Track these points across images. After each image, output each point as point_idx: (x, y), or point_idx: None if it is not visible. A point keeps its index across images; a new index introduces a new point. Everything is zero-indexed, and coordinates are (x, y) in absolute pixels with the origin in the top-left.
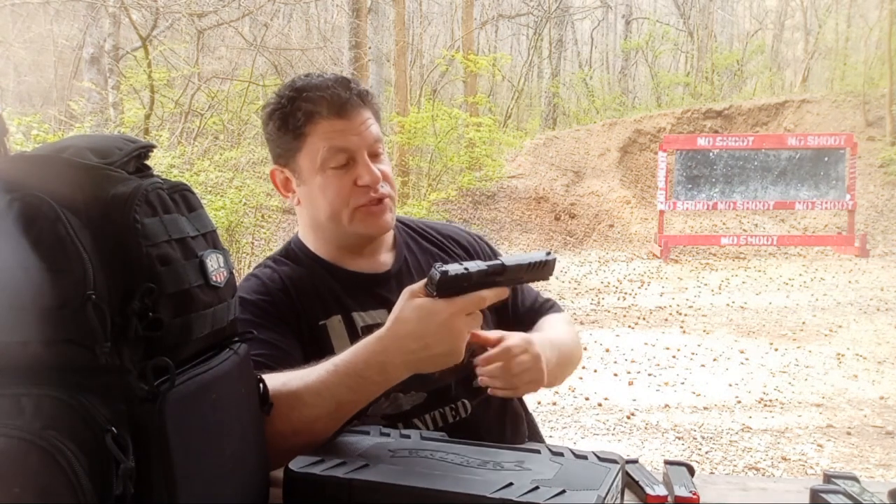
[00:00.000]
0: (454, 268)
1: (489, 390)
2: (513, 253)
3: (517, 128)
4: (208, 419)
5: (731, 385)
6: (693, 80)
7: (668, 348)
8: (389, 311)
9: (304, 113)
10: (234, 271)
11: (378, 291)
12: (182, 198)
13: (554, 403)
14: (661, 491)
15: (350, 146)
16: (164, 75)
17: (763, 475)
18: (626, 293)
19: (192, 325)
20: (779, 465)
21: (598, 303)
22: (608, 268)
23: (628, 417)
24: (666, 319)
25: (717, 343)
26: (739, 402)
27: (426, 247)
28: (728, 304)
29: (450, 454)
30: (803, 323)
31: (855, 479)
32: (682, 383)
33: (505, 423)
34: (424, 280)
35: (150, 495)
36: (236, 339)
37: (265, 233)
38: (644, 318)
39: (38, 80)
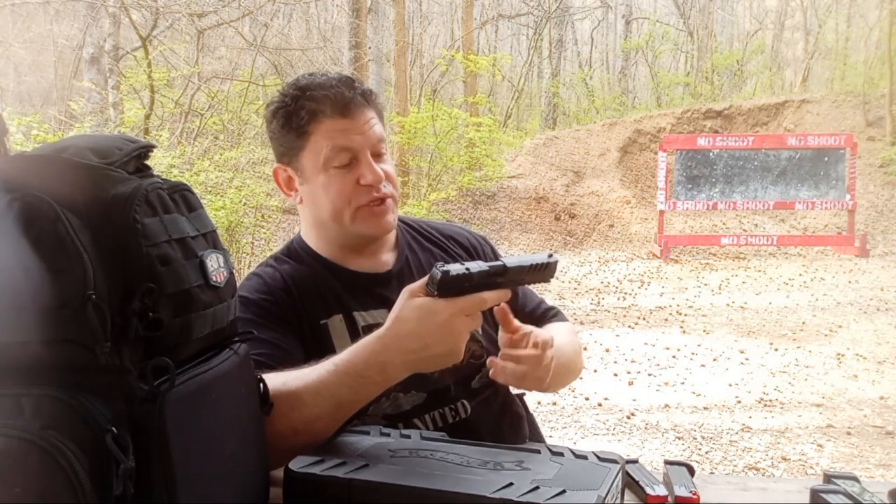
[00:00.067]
0: (455, 268)
1: (491, 372)
2: (513, 253)
3: (517, 128)
4: (208, 419)
5: (731, 385)
6: (693, 80)
7: (668, 348)
8: (390, 310)
9: (308, 112)
10: (233, 271)
11: (379, 291)
12: (182, 198)
13: (554, 403)
14: (661, 491)
15: (353, 145)
16: (164, 75)
17: (763, 475)
18: (626, 293)
19: (192, 325)
20: (779, 465)
21: (598, 303)
22: (608, 268)
23: (628, 417)
24: (666, 319)
25: (717, 343)
26: (739, 402)
27: (427, 247)
28: (728, 304)
29: (450, 454)
30: (803, 323)
31: (855, 479)
32: (682, 383)
33: (505, 424)
34: (424, 279)
35: (150, 495)
36: (236, 339)
37: (265, 233)
38: (644, 318)
39: (38, 80)
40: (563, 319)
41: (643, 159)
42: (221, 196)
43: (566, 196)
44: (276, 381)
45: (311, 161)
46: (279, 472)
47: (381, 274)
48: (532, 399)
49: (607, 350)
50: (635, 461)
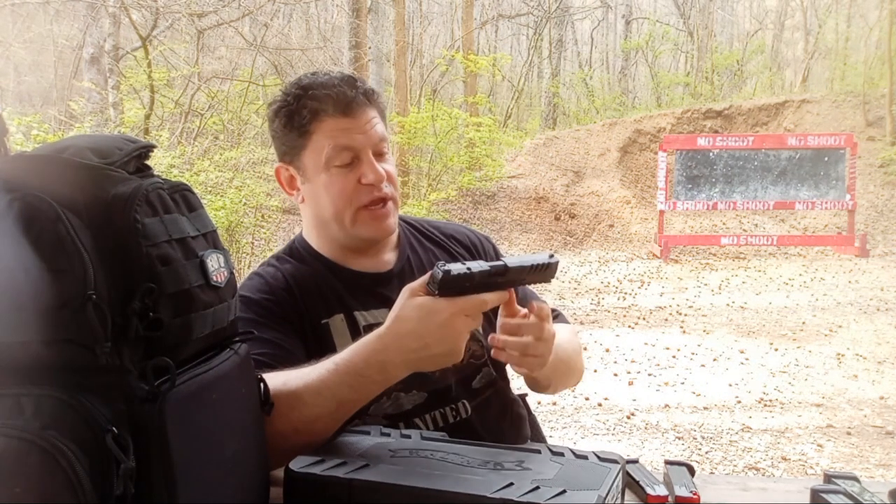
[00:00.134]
0: (457, 267)
1: (493, 352)
2: (513, 254)
3: (517, 128)
4: (208, 419)
5: (731, 385)
6: (693, 80)
7: (668, 348)
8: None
9: (310, 111)
10: (234, 271)
11: (380, 291)
12: (182, 198)
13: (554, 404)
14: (661, 491)
15: (355, 144)
16: (164, 75)
17: (763, 475)
18: (626, 293)
19: (192, 325)
20: (779, 465)
21: (598, 303)
22: (608, 268)
23: (628, 417)
24: (666, 319)
25: (717, 343)
26: (739, 402)
27: (429, 246)
28: (728, 304)
29: (450, 454)
30: (803, 323)
31: (855, 479)
32: (682, 383)
33: (506, 424)
34: (425, 278)
35: (150, 495)
36: (237, 339)
37: (265, 233)
38: (644, 318)
39: (38, 80)
40: (565, 321)
41: (643, 159)
42: (221, 196)
43: (566, 196)
44: (276, 380)
45: (312, 160)
46: (279, 472)
47: (382, 273)
48: (532, 399)
49: (607, 350)
50: (635, 461)
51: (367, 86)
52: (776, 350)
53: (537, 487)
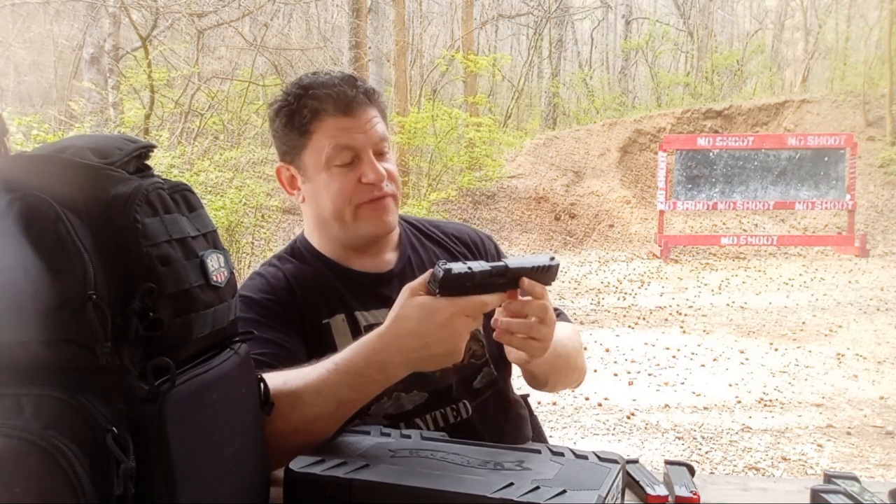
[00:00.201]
0: (458, 266)
1: (495, 334)
2: (514, 254)
3: (517, 128)
4: (209, 419)
5: (731, 385)
6: (693, 80)
7: (668, 348)
8: None
9: (311, 110)
10: (234, 271)
11: (381, 290)
12: (182, 198)
13: (554, 403)
14: (661, 491)
15: (355, 144)
16: (164, 75)
17: (763, 475)
18: (626, 293)
19: (192, 325)
20: (779, 465)
21: (598, 303)
22: (608, 268)
23: (628, 417)
24: (666, 319)
25: (717, 343)
26: (739, 402)
27: (430, 246)
28: (728, 304)
29: (450, 454)
30: (803, 323)
31: (855, 479)
32: (682, 383)
33: (506, 424)
34: (425, 277)
35: (150, 495)
36: (237, 339)
37: (265, 233)
38: (644, 318)
39: (38, 80)
40: (567, 320)
41: (643, 159)
42: (221, 196)
43: (566, 196)
44: (276, 380)
45: (313, 159)
46: (279, 472)
47: (383, 273)
48: (532, 399)
49: (607, 350)
50: (635, 461)
51: (368, 85)
52: (776, 350)
53: (537, 487)
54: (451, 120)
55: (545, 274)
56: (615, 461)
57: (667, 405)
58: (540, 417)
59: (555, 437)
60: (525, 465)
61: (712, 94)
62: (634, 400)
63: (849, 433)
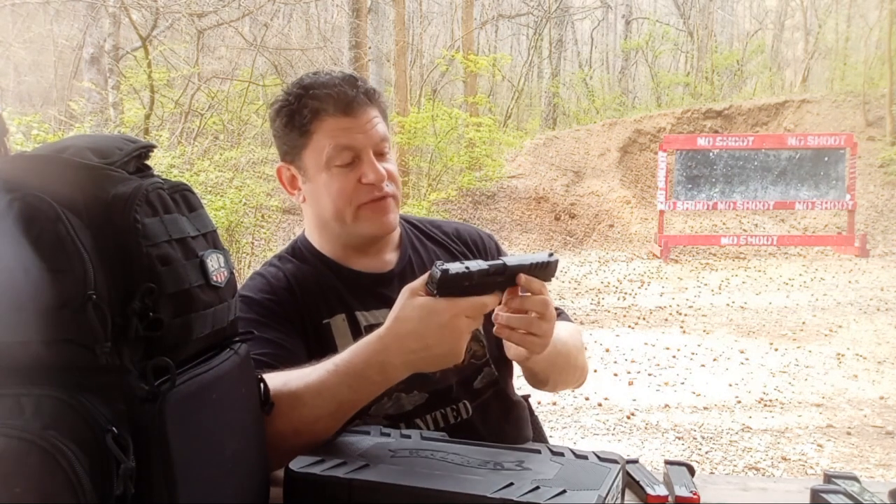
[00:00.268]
0: (455, 266)
1: (495, 329)
2: (513, 253)
3: (517, 128)
4: (209, 419)
5: (731, 385)
6: (693, 80)
7: (668, 348)
8: None
9: (311, 110)
10: (234, 271)
11: (381, 291)
12: (182, 198)
13: (554, 403)
14: (661, 491)
15: (355, 144)
16: (164, 75)
17: (763, 475)
18: (626, 293)
19: (192, 324)
20: (779, 465)
21: (598, 303)
22: (608, 268)
23: (628, 417)
24: (666, 319)
25: (717, 343)
26: (739, 402)
27: (430, 246)
28: (728, 304)
29: (450, 454)
30: (803, 323)
31: (855, 479)
32: (682, 383)
33: (507, 425)
34: (424, 278)
35: (150, 495)
36: (237, 339)
37: (265, 233)
38: (644, 318)
39: (38, 80)
40: (568, 320)
41: (643, 159)
42: (221, 196)
43: (566, 196)
44: (276, 380)
45: (313, 160)
46: (279, 472)
47: (383, 274)
48: (532, 399)
49: (607, 350)
50: (635, 461)
51: (369, 85)
52: (776, 350)
53: (537, 487)
54: (451, 120)
55: (544, 270)
56: (615, 461)
57: (667, 405)
58: (540, 417)
59: (555, 437)
60: (525, 465)
61: (712, 94)
62: (634, 400)
63: (849, 433)
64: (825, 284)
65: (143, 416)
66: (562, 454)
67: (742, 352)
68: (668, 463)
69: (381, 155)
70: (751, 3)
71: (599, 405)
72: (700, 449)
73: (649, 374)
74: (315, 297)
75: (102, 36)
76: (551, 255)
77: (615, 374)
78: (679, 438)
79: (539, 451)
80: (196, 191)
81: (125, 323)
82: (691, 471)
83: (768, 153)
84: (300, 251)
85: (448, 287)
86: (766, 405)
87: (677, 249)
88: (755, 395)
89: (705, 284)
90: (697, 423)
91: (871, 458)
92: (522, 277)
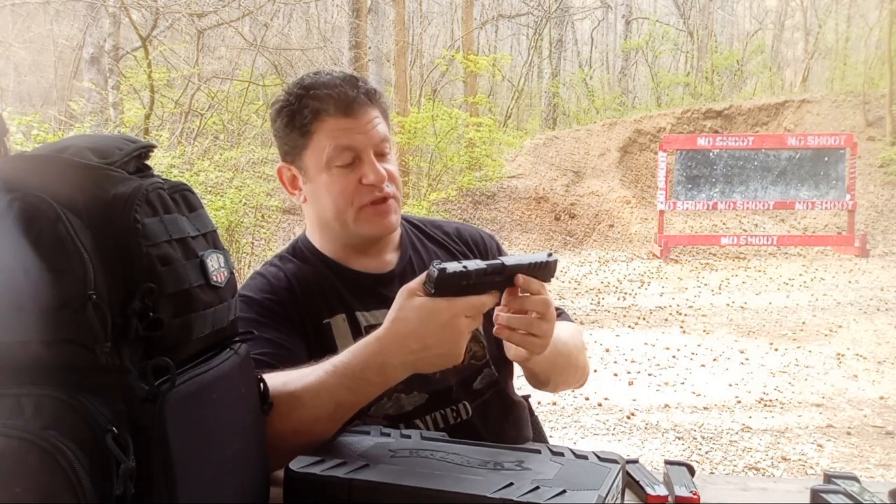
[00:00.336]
0: (453, 266)
1: (495, 329)
2: (513, 253)
3: (517, 128)
4: (209, 419)
5: (731, 385)
6: (693, 80)
7: (668, 348)
8: None
9: (311, 111)
10: (234, 271)
11: (382, 291)
12: (182, 198)
13: (554, 403)
14: (661, 491)
15: (356, 145)
16: (164, 75)
17: (763, 475)
18: (626, 293)
19: (192, 324)
20: (779, 465)
21: (598, 303)
22: (608, 268)
23: (628, 417)
24: (666, 319)
25: (717, 343)
26: (739, 402)
27: (431, 247)
28: (728, 304)
29: (450, 454)
30: (803, 323)
31: (855, 479)
32: (682, 383)
33: (507, 426)
34: (422, 278)
35: (150, 495)
36: (237, 339)
37: (265, 233)
38: (644, 318)
39: (38, 80)
40: (568, 320)
41: (643, 159)
42: (221, 196)
43: (566, 196)
44: (276, 381)
45: (314, 160)
46: (279, 473)
47: (384, 274)
48: (532, 399)
49: (607, 350)
50: (635, 461)
51: (370, 86)
52: (776, 350)
53: (537, 487)
54: (451, 120)
55: (543, 270)
56: (615, 461)
57: (667, 405)
58: (540, 417)
59: (555, 437)
60: (525, 465)
61: (712, 94)
62: (634, 400)
63: (849, 433)
64: (825, 284)
65: (143, 416)
66: (562, 454)
67: (742, 352)
68: (668, 463)
69: (381, 155)
70: (751, 3)
71: (599, 405)
72: (700, 449)
73: (649, 374)
74: (315, 296)
75: (102, 36)
76: (550, 255)
77: (615, 374)
78: (679, 438)
79: (539, 451)
80: (196, 191)
81: (125, 323)
82: (691, 471)
83: (768, 153)
84: (301, 251)
85: (445, 286)
86: (766, 405)
87: (677, 249)
88: (755, 395)
89: (705, 284)
90: (697, 423)
91: (871, 458)
92: (521, 278)
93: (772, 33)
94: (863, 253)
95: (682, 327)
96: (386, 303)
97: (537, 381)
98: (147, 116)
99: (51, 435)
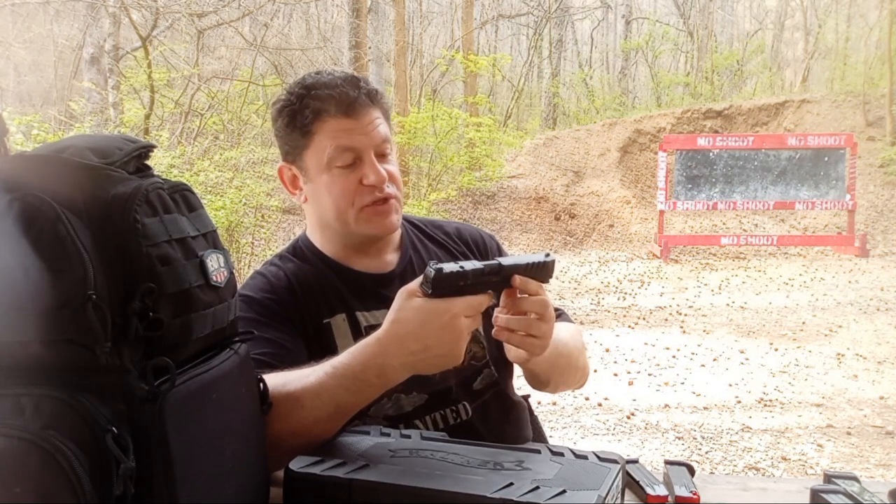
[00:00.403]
0: (449, 266)
1: (494, 331)
2: (513, 253)
3: (517, 128)
4: (208, 419)
5: (731, 385)
6: (693, 80)
7: (668, 348)
8: None
9: (313, 111)
10: (234, 271)
11: (382, 291)
12: (182, 198)
13: (554, 403)
14: (661, 491)
15: (357, 145)
16: (164, 75)
17: (763, 475)
18: (626, 293)
19: (192, 324)
20: (779, 465)
21: (598, 303)
22: (608, 268)
23: (628, 417)
24: (666, 319)
25: (717, 343)
26: (739, 402)
27: (431, 247)
28: (728, 304)
29: (450, 454)
30: (803, 323)
31: (855, 479)
32: (682, 383)
33: (506, 426)
34: (420, 278)
35: (150, 495)
36: (237, 338)
37: (265, 233)
38: (644, 318)
39: (38, 80)
40: (568, 320)
41: (643, 159)
42: (221, 196)
43: (566, 196)
44: (276, 381)
45: (314, 160)
46: (279, 472)
47: (384, 274)
48: (532, 399)
49: (607, 350)
50: (635, 461)
51: (371, 86)
52: (776, 350)
53: (537, 487)
54: (451, 120)
55: (540, 271)
56: (615, 461)
57: (667, 405)
58: (540, 417)
59: (555, 437)
60: (525, 465)
61: (712, 94)
62: (634, 400)
63: (849, 433)
64: (825, 284)
65: (143, 416)
66: (562, 454)
67: (742, 352)
68: (668, 463)
69: (382, 156)
70: (751, 3)
71: (599, 405)
72: (700, 449)
73: (649, 374)
74: (316, 296)
75: (102, 36)
76: (548, 255)
77: (615, 374)
78: (679, 438)
79: (539, 451)
80: (196, 191)
81: (125, 323)
82: (691, 471)
83: (768, 153)
84: (301, 251)
85: (442, 286)
86: (766, 405)
87: (677, 249)
88: (755, 395)
89: (705, 284)
90: (697, 423)
91: (871, 458)
92: (518, 279)
93: (772, 33)
94: (863, 253)
95: (682, 327)
96: (386, 303)
97: (537, 381)
98: (147, 116)
99: (51, 435)
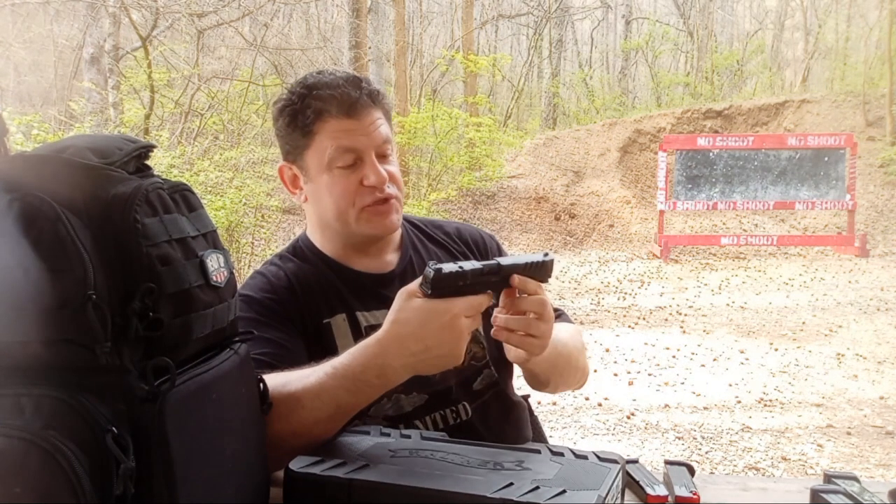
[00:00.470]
0: (448, 266)
1: (493, 331)
2: (513, 253)
3: (517, 128)
4: (208, 419)
5: (731, 385)
6: (693, 80)
7: (668, 348)
8: None
9: (314, 111)
10: (234, 271)
11: (382, 291)
12: (182, 198)
13: (554, 403)
14: (661, 491)
15: (358, 146)
16: (164, 75)
17: (763, 475)
18: (626, 293)
19: (192, 324)
20: (779, 465)
21: (598, 303)
22: (608, 268)
23: (628, 417)
24: (666, 319)
25: (717, 343)
26: (739, 402)
27: (431, 247)
28: (728, 304)
29: (450, 454)
30: (803, 323)
31: (855, 479)
32: (682, 383)
33: (506, 426)
34: (419, 279)
35: (150, 495)
36: (237, 338)
37: (265, 233)
38: (644, 318)
39: (38, 80)
40: (568, 321)
41: (643, 159)
42: (221, 196)
43: (566, 196)
44: (276, 381)
45: (315, 160)
46: (279, 473)
47: (384, 274)
48: (532, 399)
49: (607, 350)
50: (635, 461)
51: (373, 87)
52: (776, 350)
53: (537, 487)
54: (451, 120)
55: (539, 270)
56: (615, 461)
57: (667, 405)
58: (540, 417)
59: (555, 437)
60: (525, 465)
61: (712, 94)
62: (634, 400)
63: (849, 433)
64: (825, 284)
65: (143, 416)
66: (562, 454)
67: (742, 352)
68: (668, 463)
69: (383, 157)
70: (751, 3)
71: (599, 405)
72: (700, 449)
73: (649, 374)
74: (316, 296)
75: (102, 36)
76: (546, 254)
77: (615, 374)
78: (679, 438)
79: (539, 451)
80: (196, 191)
81: (125, 323)
82: (691, 471)
83: (768, 153)
84: (301, 250)
85: (442, 287)
86: (766, 405)
87: (677, 249)
88: (755, 395)
89: (705, 284)
90: (697, 423)
91: (871, 458)
92: (516, 278)
93: (772, 33)
94: (863, 253)
95: (682, 327)
96: (386, 303)
97: (537, 381)
98: (147, 116)
99: (51, 435)
